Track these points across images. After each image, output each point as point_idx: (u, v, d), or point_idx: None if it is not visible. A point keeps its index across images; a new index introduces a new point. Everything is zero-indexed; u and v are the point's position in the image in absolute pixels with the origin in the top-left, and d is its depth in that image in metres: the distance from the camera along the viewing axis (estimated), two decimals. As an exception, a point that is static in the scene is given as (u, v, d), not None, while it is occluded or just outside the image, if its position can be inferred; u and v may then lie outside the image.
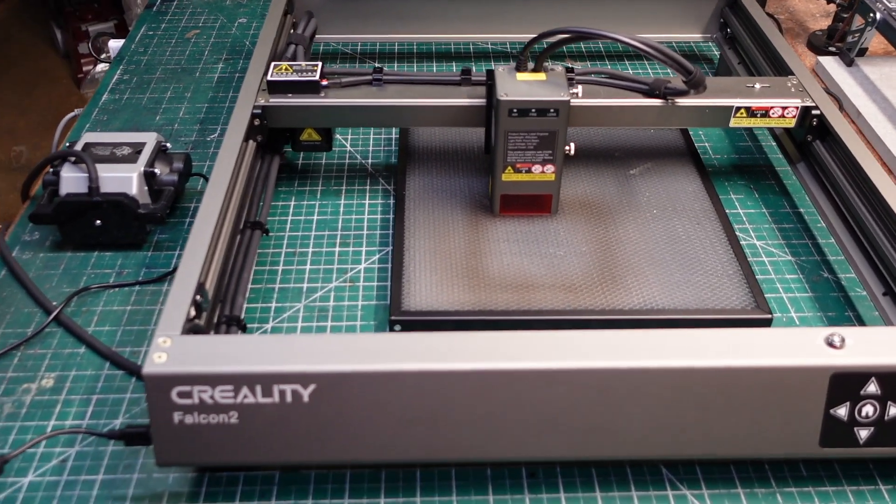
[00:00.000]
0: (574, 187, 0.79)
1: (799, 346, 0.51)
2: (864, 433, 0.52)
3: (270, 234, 0.76)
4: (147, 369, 0.49)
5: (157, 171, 0.74)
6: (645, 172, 0.81)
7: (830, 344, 0.51)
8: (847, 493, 0.55)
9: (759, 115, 0.75)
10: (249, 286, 0.70)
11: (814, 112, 0.74)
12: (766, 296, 0.69)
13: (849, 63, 0.99)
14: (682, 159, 0.83)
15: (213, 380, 0.50)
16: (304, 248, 0.75)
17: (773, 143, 0.85)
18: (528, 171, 0.72)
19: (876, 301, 0.65)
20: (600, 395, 0.51)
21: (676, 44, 1.07)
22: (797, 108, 0.75)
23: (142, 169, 0.72)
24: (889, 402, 0.51)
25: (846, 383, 0.51)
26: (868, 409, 0.52)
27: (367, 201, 0.80)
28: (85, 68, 2.74)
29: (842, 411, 0.52)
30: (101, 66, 2.74)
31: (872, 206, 0.67)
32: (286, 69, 0.76)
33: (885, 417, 0.52)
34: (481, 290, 0.67)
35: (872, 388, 0.51)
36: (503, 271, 0.69)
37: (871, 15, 0.94)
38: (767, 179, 0.83)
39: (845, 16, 1.00)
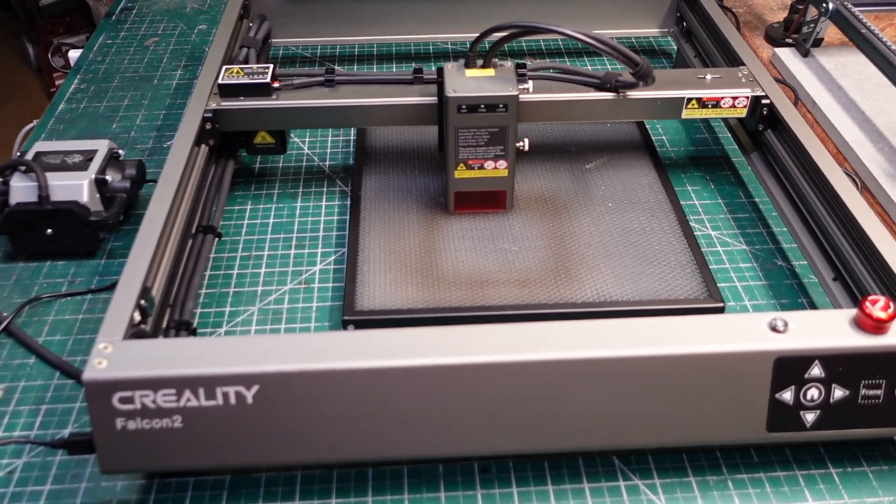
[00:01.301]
0: (529, 183, 0.79)
1: (743, 331, 0.52)
2: (809, 417, 0.52)
3: (225, 238, 0.75)
4: (87, 375, 0.49)
5: (108, 177, 0.73)
6: (601, 166, 0.81)
7: (774, 328, 0.52)
8: (798, 477, 0.55)
9: (710, 106, 0.76)
10: (203, 291, 0.70)
11: (764, 102, 0.75)
12: (720, 285, 0.69)
13: (804, 54, 1.00)
14: (638, 152, 0.83)
15: (154, 384, 0.49)
16: (260, 251, 0.74)
17: (729, 135, 0.85)
18: (481, 167, 0.72)
19: (826, 287, 0.65)
20: (550, 386, 0.51)
21: (635, 39, 1.08)
22: (748, 97, 0.75)
23: (93, 176, 0.72)
24: (833, 385, 0.51)
25: (790, 367, 0.51)
26: (813, 393, 0.52)
27: (323, 203, 0.80)
28: (57, 82, 2.73)
29: (787, 395, 0.52)
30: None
31: (822, 193, 0.68)
32: (237, 72, 0.75)
33: (830, 400, 0.52)
34: (435, 287, 0.67)
35: (816, 371, 0.51)
36: (457, 268, 0.69)
37: (825, 5, 0.94)
38: (723, 170, 0.84)
39: (800, 7, 1.01)
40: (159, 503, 0.54)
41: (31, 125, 0.96)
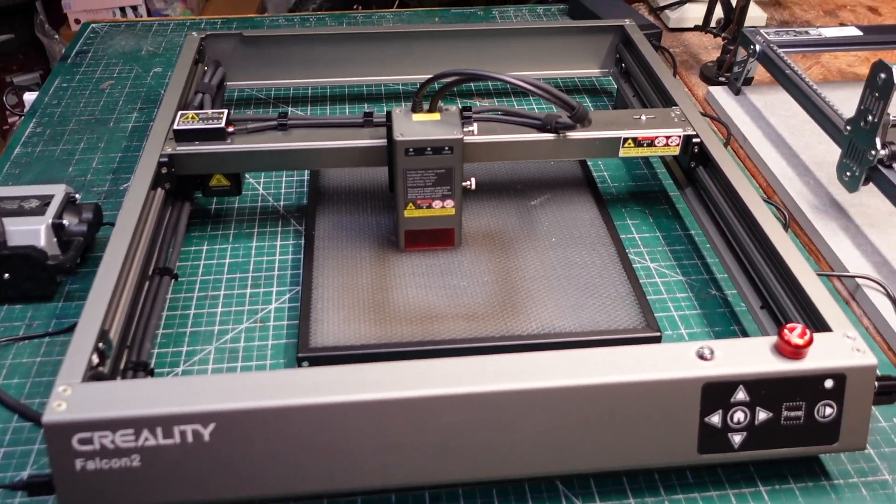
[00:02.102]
0: (477, 220, 0.82)
1: (673, 359, 0.55)
2: (737, 438, 0.56)
3: (182, 278, 0.77)
4: (46, 418, 0.50)
5: (65, 222, 0.75)
6: (545, 203, 0.85)
7: (701, 356, 0.55)
8: (730, 496, 0.59)
9: (645, 145, 0.80)
10: (160, 331, 0.71)
11: (695, 140, 0.79)
12: (658, 314, 0.73)
13: (736, 92, 1.05)
14: (581, 189, 0.87)
15: (112, 424, 0.51)
16: (216, 291, 0.76)
17: (666, 171, 0.90)
18: (429, 206, 0.75)
19: (755, 314, 0.69)
20: (495, 416, 0.54)
21: (579, 79, 1.13)
22: (680, 136, 0.80)
23: (50, 221, 0.73)
24: (757, 408, 0.55)
25: (717, 392, 0.55)
26: (739, 416, 0.55)
27: (278, 242, 0.82)
28: (10, 120, 2.71)
29: (715, 419, 0.55)
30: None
31: (748, 226, 0.72)
32: (192, 118, 0.78)
33: (755, 422, 0.55)
34: (387, 323, 0.70)
35: (741, 395, 0.55)
36: (408, 304, 0.72)
37: (752, 47, 1.00)
38: (661, 204, 0.88)
39: (731, 48, 1.07)
40: (118, 541, 0.55)
41: (-15, 169, 0.97)
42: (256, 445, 0.52)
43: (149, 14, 2.68)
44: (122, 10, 2.65)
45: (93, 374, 0.56)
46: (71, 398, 0.52)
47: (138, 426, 0.51)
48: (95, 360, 0.57)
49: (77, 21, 2.64)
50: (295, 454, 0.53)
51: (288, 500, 0.58)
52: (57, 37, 2.65)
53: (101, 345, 0.58)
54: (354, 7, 2.71)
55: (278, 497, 0.57)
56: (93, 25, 1.28)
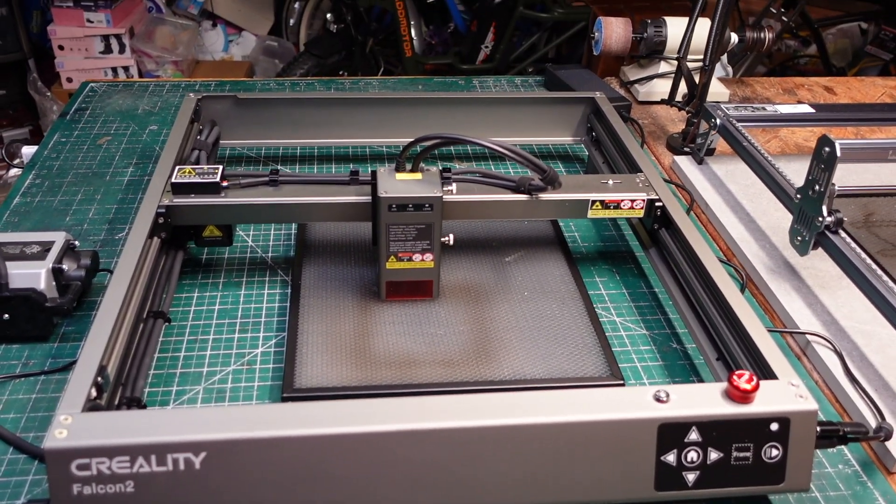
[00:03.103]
0: (454, 273, 0.87)
1: (631, 401, 0.60)
2: (691, 476, 0.60)
3: (173, 322, 0.81)
4: (48, 444, 0.54)
5: (64, 267, 0.79)
6: (518, 259, 0.90)
7: (658, 399, 0.60)
8: (686, 533, 0.63)
9: (612, 207, 0.86)
10: (152, 371, 0.75)
11: (657, 204, 0.86)
12: (623, 365, 0.78)
13: (699, 161, 1.13)
14: (552, 247, 0.93)
15: (110, 451, 0.54)
16: (206, 335, 0.80)
17: (632, 232, 0.96)
18: (410, 259, 0.80)
19: (711, 366, 0.74)
20: (465, 450, 0.58)
21: (553, 146, 1.20)
22: (644, 200, 0.86)
23: (50, 265, 0.78)
24: (709, 448, 0.60)
25: (672, 432, 0.59)
26: (692, 455, 0.60)
27: (265, 291, 0.87)
28: (-2, 173, 2.75)
29: (671, 458, 0.60)
30: (13, 172, 2.75)
31: (706, 285, 0.78)
32: (189, 172, 0.83)
33: (707, 461, 0.60)
34: (367, 367, 0.74)
35: (694, 435, 0.60)
36: (388, 350, 0.76)
37: (713, 121, 1.08)
38: (627, 263, 0.94)
39: (695, 121, 1.15)
40: (107, 567, 0.58)
41: (-17, 217, 1.01)
42: (244, 474, 0.56)
43: (140, 76, 2.76)
44: (115, 70, 2.73)
45: (91, 406, 0.59)
46: (71, 426, 0.55)
47: (134, 453, 0.55)
48: (94, 393, 0.60)
49: (69, 79, 2.72)
50: (279, 483, 0.57)
51: (270, 530, 0.61)
52: (49, 94, 2.72)
53: (99, 379, 0.61)
54: (340, 74, 2.81)
55: (262, 526, 0.61)
56: (91, 84, 1.34)
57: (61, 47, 2.64)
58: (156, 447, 0.55)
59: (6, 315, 0.76)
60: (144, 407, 0.67)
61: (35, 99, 2.73)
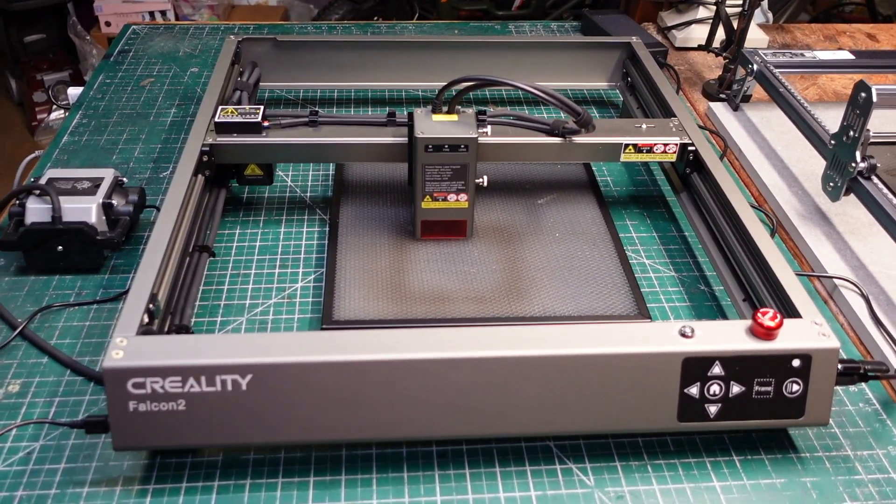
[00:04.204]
0: (488, 215, 0.89)
1: (657, 336, 0.62)
2: (713, 409, 0.63)
3: (217, 256, 0.85)
4: (106, 363, 0.58)
5: (114, 202, 0.82)
6: (551, 202, 0.92)
7: (683, 334, 0.62)
8: (706, 463, 0.65)
9: (644, 151, 0.87)
10: (198, 302, 0.79)
11: (690, 149, 0.87)
12: (650, 305, 0.80)
13: (735, 108, 1.12)
14: (584, 190, 0.94)
15: (163, 372, 0.58)
16: (248, 269, 0.84)
17: (664, 177, 0.97)
18: (445, 199, 0.82)
19: (737, 305, 0.76)
20: (497, 379, 0.61)
21: (588, 91, 1.20)
22: (677, 145, 0.87)
23: (100, 200, 0.81)
24: (732, 382, 0.62)
25: (696, 366, 0.61)
26: (715, 388, 0.62)
27: (304, 229, 0.90)
28: (39, 116, 2.81)
29: (694, 390, 0.62)
30: (55, 115, 2.81)
31: (735, 228, 0.79)
32: (232, 112, 0.85)
33: (729, 395, 0.62)
34: (403, 302, 0.77)
35: (717, 370, 0.62)
36: (423, 287, 0.79)
37: (751, 66, 1.07)
38: (659, 207, 0.95)
39: (731, 67, 1.14)
40: (160, 479, 0.63)
41: (32, 155, 1.05)
42: (286, 396, 0.60)
43: (176, 19, 2.78)
44: (152, 14, 2.75)
45: (144, 331, 0.63)
46: (127, 348, 0.59)
47: (185, 374, 0.58)
48: (146, 319, 0.64)
49: (108, 23, 2.74)
50: (320, 405, 0.60)
51: (311, 447, 0.65)
52: (88, 37, 2.75)
53: (151, 306, 0.65)
54: (375, 19, 2.80)
55: (303, 443, 0.65)
56: (133, 27, 1.36)
57: (100, -9, 2.66)
58: (206, 368, 0.58)
59: (60, 247, 0.80)
60: (192, 334, 0.71)
61: (75, 42, 2.76)
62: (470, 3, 2.96)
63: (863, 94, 0.81)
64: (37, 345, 0.74)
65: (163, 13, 2.74)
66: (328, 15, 2.67)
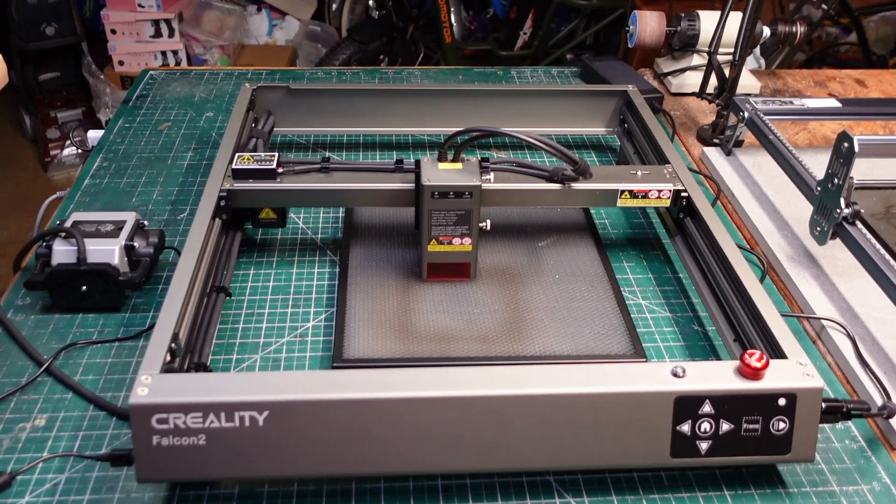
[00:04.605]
0: (491, 257, 0.93)
1: (651, 375, 0.66)
2: (704, 445, 0.66)
3: (233, 296, 0.89)
4: (132, 400, 0.62)
5: (135, 244, 0.87)
6: (551, 244, 0.96)
7: (675, 374, 0.66)
8: (699, 498, 0.69)
9: (640, 197, 0.91)
10: (213, 341, 0.83)
11: (683, 195, 0.91)
12: (646, 345, 0.84)
13: (727, 153, 1.17)
14: (583, 234, 0.98)
15: (186, 408, 0.62)
16: (261, 309, 0.88)
17: (659, 220, 1.01)
18: (450, 243, 0.87)
19: (728, 346, 0.80)
20: (498, 417, 0.65)
21: (587, 136, 1.25)
22: (670, 191, 0.91)
23: (123, 243, 0.85)
24: (721, 419, 0.66)
25: (687, 405, 0.65)
26: (705, 426, 0.66)
27: (315, 270, 0.94)
28: (52, 152, 2.87)
29: (685, 427, 0.66)
30: (67, 151, 2.87)
31: (726, 270, 0.83)
32: (248, 159, 0.90)
33: (719, 432, 0.66)
34: (410, 341, 0.81)
35: (707, 408, 0.65)
36: (429, 326, 0.83)
37: (742, 114, 1.12)
38: (654, 250, 0.99)
39: (724, 114, 1.19)
40: (180, 511, 0.66)
41: (54, 196, 1.09)
42: (300, 432, 0.63)
43: (188, 59, 2.85)
44: (164, 54, 2.83)
45: (167, 369, 0.67)
46: (151, 385, 0.63)
47: (206, 410, 0.62)
48: (168, 357, 0.68)
49: (121, 62, 2.82)
50: (331, 441, 0.64)
51: (323, 480, 0.69)
52: (102, 76, 2.82)
53: (173, 345, 0.69)
54: (380, 59, 2.87)
55: (316, 477, 0.68)
56: (151, 72, 1.42)
57: (114, 31, 2.74)
58: (225, 405, 0.62)
59: (84, 287, 0.84)
60: (210, 371, 0.75)
61: (89, 81, 2.83)
62: (474, 44, 3.04)
63: (845, 144, 0.86)
64: (62, 381, 0.78)
65: (174, 53, 2.82)
66: (335, 56, 2.74)
